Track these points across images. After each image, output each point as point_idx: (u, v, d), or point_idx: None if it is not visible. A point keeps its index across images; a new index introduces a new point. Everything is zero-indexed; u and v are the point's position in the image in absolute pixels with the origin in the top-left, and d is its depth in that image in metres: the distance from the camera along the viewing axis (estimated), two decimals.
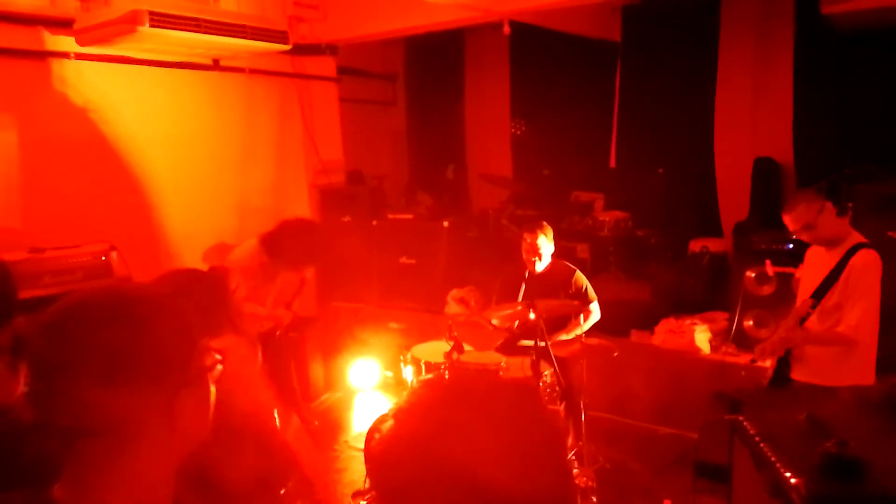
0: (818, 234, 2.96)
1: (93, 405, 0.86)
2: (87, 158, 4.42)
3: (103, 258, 3.90)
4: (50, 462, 0.91)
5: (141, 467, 0.91)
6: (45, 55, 4.18)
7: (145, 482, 0.91)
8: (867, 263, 2.85)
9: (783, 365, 3.04)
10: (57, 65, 4.25)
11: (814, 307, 2.97)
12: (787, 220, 2.99)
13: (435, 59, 7.89)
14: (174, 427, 0.92)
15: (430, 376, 3.60)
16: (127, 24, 3.59)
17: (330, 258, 1.78)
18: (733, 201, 6.11)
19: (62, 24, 4.08)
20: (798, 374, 3.02)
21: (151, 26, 3.59)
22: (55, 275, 3.65)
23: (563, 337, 3.92)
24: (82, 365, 0.86)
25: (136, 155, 4.69)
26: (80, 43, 4.01)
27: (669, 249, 6.00)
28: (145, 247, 4.56)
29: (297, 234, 3.42)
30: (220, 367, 1.01)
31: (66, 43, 4.17)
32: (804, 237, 3.01)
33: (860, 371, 2.90)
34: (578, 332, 3.96)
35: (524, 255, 3.92)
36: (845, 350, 2.88)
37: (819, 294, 2.96)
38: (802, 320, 3.01)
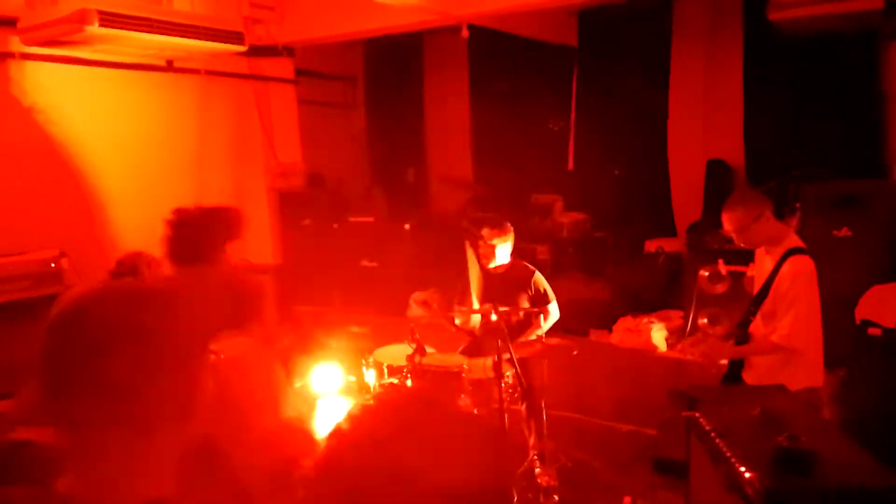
0: (749, 239, 2.97)
1: (116, 392, 0.85)
2: (35, 162, 4.27)
3: (53, 265, 3.78)
4: (51, 458, 0.89)
5: (153, 455, 0.90)
6: None
7: (156, 469, 0.91)
8: (796, 272, 2.84)
9: (737, 366, 3.09)
10: (0, 65, 4.09)
11: (753, 314, 2.99)
12: (724, 218, 2.99)
13: (394, 62, 7.87)
14: (189, 416, 0.92)
15: (387, 383, 3.58)
16: (75, 23, 3.49)
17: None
18: (687, 202, 6.26)
19: (5, 23, 3.94)
20: (748, 379, 3.07)
21: (101, 26, 3.49)
22: (2, 283, 3.52)
23: (523, 339, 3.94)
24: (109, 348, 0.85)
25: (86, 159, 4.55)
26: (25, 42, 3.88)
27: (626, 250, 6.11)
28: (96, 253, 4.42)
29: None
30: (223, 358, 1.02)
31: (10, 42, 4.02)
32: (735, 239, 3.01)
33: (805, 375, 2.90)
34: (539, 332, 3.99)
35: (480, 255, 3.94)
36: (786, 357, 2.88)
37: (757, 300, 2.98)
38: (745, 325, 3.06)
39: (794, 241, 2.95)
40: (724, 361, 3.16)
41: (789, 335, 2.82)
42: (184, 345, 0.95)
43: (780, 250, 2.92)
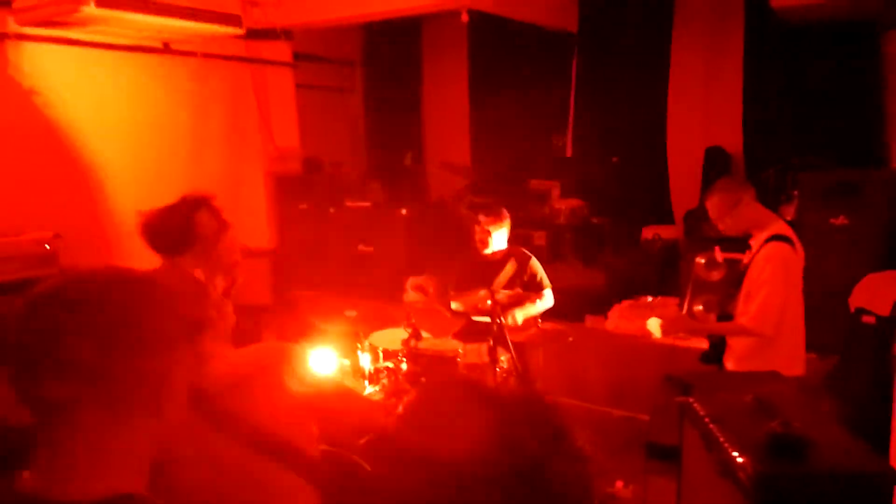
0: (731, 225, 2.99)
1: (91, 372, 0.84)
2: (30, 144, 4.25)
3: (47, 246, 3.77)
4: (17, 448, 0.89)
5: (123, 446, 0.89)
6: None
7: (126, 462, 0.89)
8: (769, 256, 2.86)
9: (717, 349, 3.13)
10: None
11: (732, 296, 3.03)
12: (706, 206, 3.06)
13: (393, 46, 7.81)
14: (163, 405, 0.91)
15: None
16: (71, 3, 3.46)
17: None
18: (684, 189, 6.25)
19: (0, 4, 3.90)
20: (729, 364, 3.11)
21: (97, 6, 3.46)
22: None
23: (518, 312, 3.91)
24: (85, 329, 0.84)
25: (81, 140, 4.52)
26: (20, 23, 3.85)
27: (623, 237, 6.11)
28: (92, 235, 4.42)
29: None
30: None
31: (5, 23, 3.99)
32: (719, 227, 3.04)
33: (782, 362, 2.89)
34: (532, 310, 3.98)
35: (477, 241, 3.95)
36: (761, 343, 2.91)
37: (737, 283, 3.02)
38: (726, 305, 3.08)
39: (779, 227, 2.97)
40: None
41: (756, 318, 2.86)
42: (162, 332, 0.94)
43: (764, 236, 2.94)
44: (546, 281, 4.04)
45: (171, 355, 0.93)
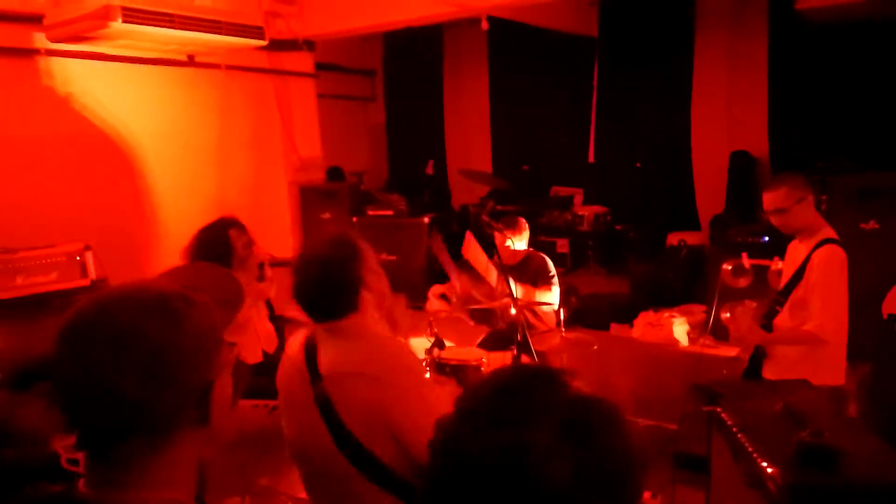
0: (787, 221, 2.91)
1: (135, 404, 0.84)
2: (60, 156, 4.34)
3: (78, 258, 3.83)
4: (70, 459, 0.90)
5: (174, 464, 0.90)
6: (14, 52, 4.09)
7: (174, 469, 0.91)
8: (828, 259, 2.79)
9: (757, 361, 3.05)
10: (27, 61, 4.16)
11: (780, 304, 2.95)
12: (766, 197, 2.93)
13: (414, 55, 7.86)
14: (208, 421, 0.92)
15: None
16: (99, 19, 3.53)
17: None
18: (710, 195, 6.18)
19: (31, 20, 4.00)
20: (769, 374, 3.02)
21: (124, 22, 3.52)
22: (28, 275, 3.59)
23: (539, 294, 3.91)
24: (120, 368, 0.84)
25: (110, 153, 4.61)
26: (51, 39, 3.93)
27: (647, 243, 6.05)
28: (121, 246, 4.49)
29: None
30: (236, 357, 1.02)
31: (36, 39, 4.09)
32: (773, 220, 2.95)
33: (828, 370, 2.84)
34: (550, 298, 3.96)
35: (498, 250, 3.97)
36: (811, 349, 2.83)
37: (787, 290, 2.93)
38: (772, 316, 3.01)
39: (830, 232, 2.91)
40: (746, 356, 3.13)
41: (822, 324, 2.77)
42: (200, 348, 0.94)
43: (815, 240, 2.87)
44: (555, 279, 4.04)
45: (210, 367, 0.93)
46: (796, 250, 3.01)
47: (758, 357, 3.04)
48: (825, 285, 2.78)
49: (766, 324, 3.00)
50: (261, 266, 3.60)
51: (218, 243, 3.37)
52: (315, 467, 1.85)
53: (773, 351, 3.00)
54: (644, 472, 0.82)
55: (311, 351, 1.83)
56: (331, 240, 1.91)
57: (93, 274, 3.84)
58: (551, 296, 3.99)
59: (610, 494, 0.76)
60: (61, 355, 0.86)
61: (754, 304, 3.12)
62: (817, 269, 2.81)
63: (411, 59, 7.91)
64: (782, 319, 2.97)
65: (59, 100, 4.32)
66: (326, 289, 1.79)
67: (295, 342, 1.94)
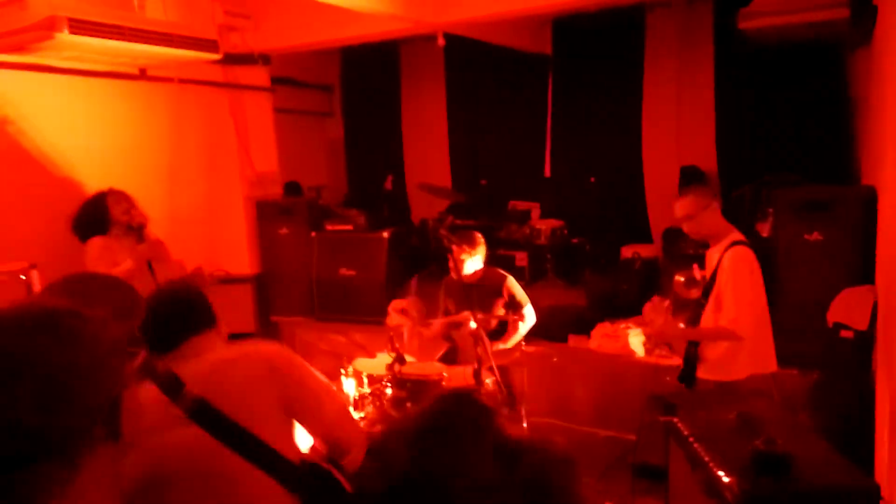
0: (696, 228, 3.14)
1: (37, 433, 0.79)
2: (4, 173, 4.18)
3: (22, 277, 3.69)
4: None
5: (86, 486, 0.85)
6: None
7: (94, 500, 0.86)
8: (735, 259, 2.99)
9: (691, 364, 3.18)
10: None
11: (702, 306, 3.13)
12: (676, 206, 3.18)
13: (371, 70, 7.86)
14: (119, 436, 0.87)
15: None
16: (44, 30, 3.42)
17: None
18: (662, 208, 6.32)
19: None
20: (702, 373, 3.17)
21: (71, 33, 3.42)
22: None
23: (503, 346, 3.97)
24: (14, 393, 0.79)
25: (57, 169, 4.46)
26: None
27: (603, 256, 6.15)
28: (69, 264, 4.34)
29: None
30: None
31: None
32: (684, 227, 3.18)
33: (756, 361, 3.04)
34: (517, 338, 4.01)
35: (451, 266, 3.99)
36: (735, 345, 3.01)
37: (706, 293, 3.13)
38: (697, 320, 3.16)
39: (738, 235, 3.12)
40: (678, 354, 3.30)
41: (736, 319, 2.95)
42: (101, 367, 0.92)
43: (725, 244, 3.08)
44: (525, 298, 4.07)
45: (115, 382, 0.87)
46: (711, 256, 3.20)
47: (691, 359, 3.18)
48: (735, 283, 2.97)
49: (694, 325, 3.19)
50: (140, 228, 3.92)
51: (95, 210, 3.90)
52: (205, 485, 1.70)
53: (705, 353, 3.15)
54: None
55: (165, 381, 1.68)
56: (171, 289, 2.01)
57: (37, 293, 3.70)
58: (529, 316, 4.03)
59: None
60: None
61: (667, 301, 3.33)
62: (727, 269, 3.01)
63: (369, 74, 7.91)
64: (706, 320, 3.14)
65: (1, 114, 4.17)
66: (180, 308, 1.86)
67: (137, 395, 1.61)
